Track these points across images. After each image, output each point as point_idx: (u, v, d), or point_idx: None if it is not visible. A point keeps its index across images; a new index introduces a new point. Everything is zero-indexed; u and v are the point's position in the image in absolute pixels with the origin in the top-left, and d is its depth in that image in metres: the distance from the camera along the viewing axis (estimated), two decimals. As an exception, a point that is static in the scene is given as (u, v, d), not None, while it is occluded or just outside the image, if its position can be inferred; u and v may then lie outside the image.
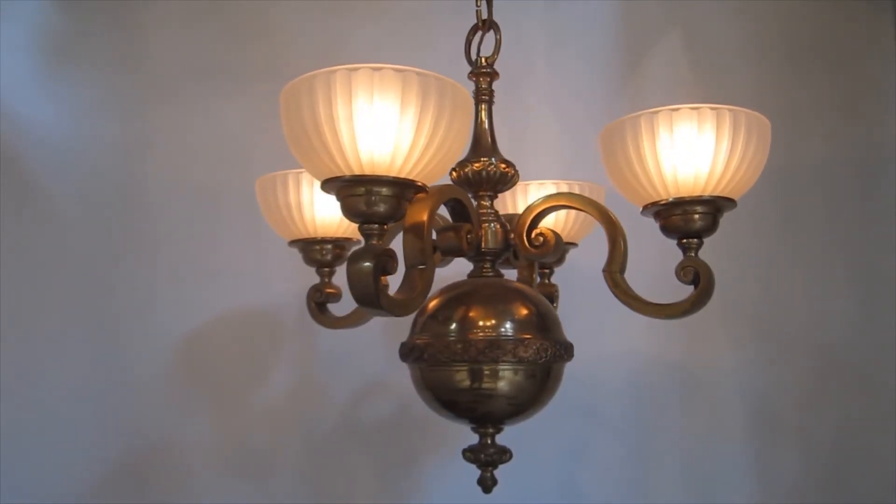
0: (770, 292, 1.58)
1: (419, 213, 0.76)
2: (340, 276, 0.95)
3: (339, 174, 0.70)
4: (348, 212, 0.73)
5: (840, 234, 1.60)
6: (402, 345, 0.91)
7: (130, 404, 1.43)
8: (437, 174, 0.75)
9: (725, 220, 0.84)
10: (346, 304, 0.96)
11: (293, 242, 1.02)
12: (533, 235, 0.89)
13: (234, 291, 1.49)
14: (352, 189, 0.71)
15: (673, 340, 1.54)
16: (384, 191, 0.71)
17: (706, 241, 0.83)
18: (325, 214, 0.99)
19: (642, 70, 1.62)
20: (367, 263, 0.69)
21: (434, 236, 0.87)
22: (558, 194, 0.89)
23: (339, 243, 1.01)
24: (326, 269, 1.03)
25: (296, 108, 0.69)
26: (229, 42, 1.55)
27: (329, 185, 0.72)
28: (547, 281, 1.10)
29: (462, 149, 0.77)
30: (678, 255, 0.85)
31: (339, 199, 0.73)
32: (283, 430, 1.49)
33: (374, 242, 0.72)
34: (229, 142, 1.51)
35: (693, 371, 1.55)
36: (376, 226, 0.72)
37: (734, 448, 1.53)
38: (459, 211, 0.87)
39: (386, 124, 0.68)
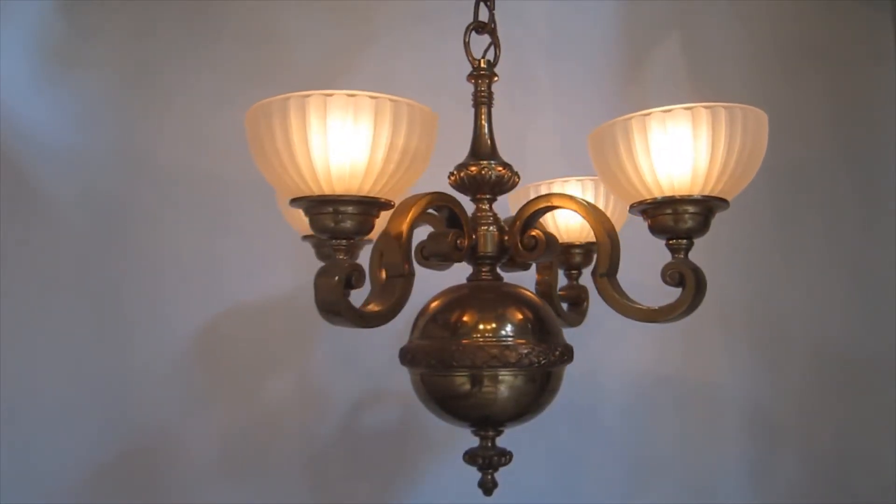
0: (768, 294, 1.58)
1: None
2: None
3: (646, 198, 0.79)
4: (658, 230, 0.79)
5: (838, 236, 1.60)
6: (402, 349, 0.92)
7: (132, 404, 1.44)
8: (739, 186, 0.79)
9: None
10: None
11: (295, 201, 0.73)
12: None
13: (234, 292, 1.48)
14: (660, 209, 0.78)
15: (671, 343, 1.54)
16: (690, 209, 0.77)
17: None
18: (344, 162, 0.68)
19: (641, 72, 1.61)
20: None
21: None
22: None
23: (371, 203, 0.72)
24: (344, 243, 0.73)
25: (611, 146, 0.80)
26: (231, 45, 1.54)
27: (636, 208, 0.81)
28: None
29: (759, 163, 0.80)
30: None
31: (645, 218, 0.81)
32: (284, 431, 1.49)
33: (682, 257, 0.79)
34: (231, 146, 1.47)
35: (691, 374, 1.55)
36: (685, 241, 0.79)
37: (733, 451, 1.53)
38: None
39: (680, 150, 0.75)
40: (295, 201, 0.73)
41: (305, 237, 1.02)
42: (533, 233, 0.88)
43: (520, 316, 0.87)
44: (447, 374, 0.86)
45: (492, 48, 0.94)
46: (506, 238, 0.90)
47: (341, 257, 0.73)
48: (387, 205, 0.73)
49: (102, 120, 1.48)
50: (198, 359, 1.47)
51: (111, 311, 1.45)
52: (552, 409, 0.90)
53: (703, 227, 0.77)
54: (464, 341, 0.85)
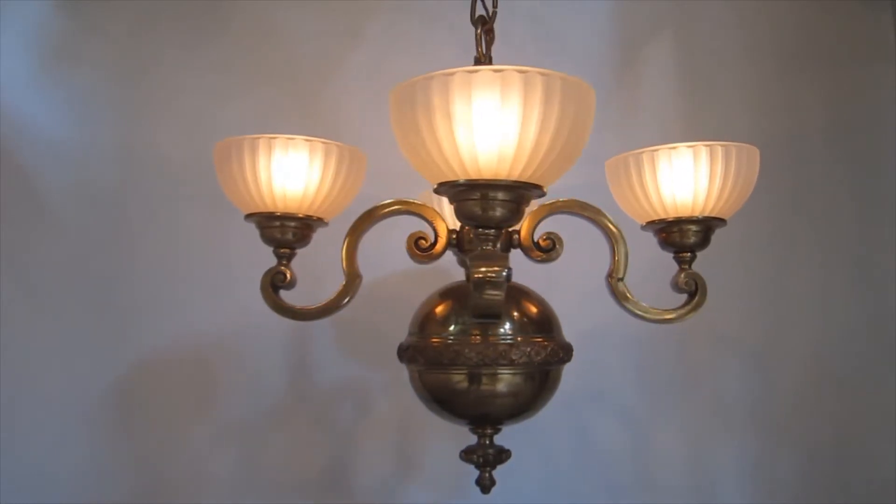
0: (767, 293, 1.58)
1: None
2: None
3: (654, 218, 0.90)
4: (667, 245, 0.91)
5: (838, 235, 1.61)
6: (400, 346, 0.89)
7: (133, 403, 1.43)
8: (734, 208, 0.90)
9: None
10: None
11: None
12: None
13: (235, 291, 1.45)
14: (669, 228, 0.90)
15: (670, 343, 1.55)
16: (693, 227, 0.89)
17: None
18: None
19: (634, 73, 1.63)
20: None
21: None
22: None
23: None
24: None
25: (624, 174, 0.88)
26: (232, 43, 1.53)
27: (650, 227, 0.91)
28: None
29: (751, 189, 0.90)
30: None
31: (656, 235, 0.90)
32: (281, 433, 1.48)
33: (688, 267, 0.92)
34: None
35: (690, 373, 1.56)
36: (688, 254, 0.91)
37: (732, 450, 1.55)
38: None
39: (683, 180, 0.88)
40: (442, 186, 0.65)
41: (248, 216, 0.89)
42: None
43: (520, 314, 0.90)
44: (445, 372, 0.86)
45: (484, 45, 0.94)
46: (514, 238, 0.91)
47: (489, 248, 0.67)
48: (540, 191, 0.69)
49: (102, 117, 1.49)
50: (198, 357, 1.46)
51: (111, 310, 1.45)
52: (551, 407, 0.92)
53: (704, 242, 0.91)
54: (462, 338, 0.85)
